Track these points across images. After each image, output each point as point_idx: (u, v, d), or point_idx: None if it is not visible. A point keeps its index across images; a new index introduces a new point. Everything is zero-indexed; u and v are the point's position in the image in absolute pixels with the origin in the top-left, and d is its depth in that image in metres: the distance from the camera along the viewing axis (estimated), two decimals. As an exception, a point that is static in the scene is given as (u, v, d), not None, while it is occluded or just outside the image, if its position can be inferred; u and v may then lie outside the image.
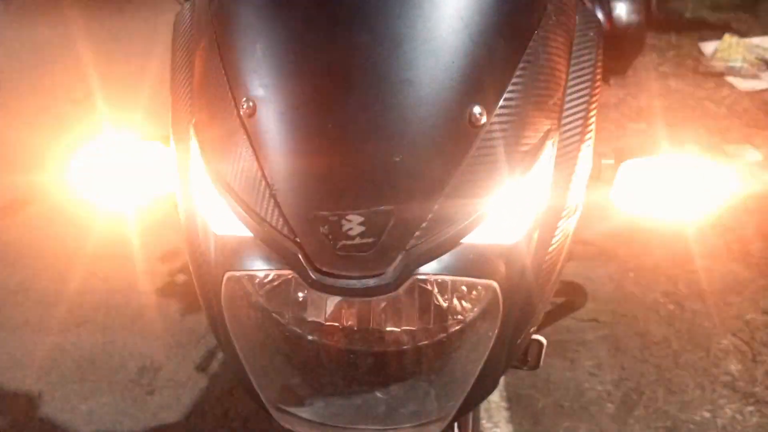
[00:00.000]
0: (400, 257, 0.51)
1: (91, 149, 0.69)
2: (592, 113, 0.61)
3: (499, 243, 0.54)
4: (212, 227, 0.56)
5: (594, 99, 0.62)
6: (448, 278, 0.53)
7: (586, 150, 0.61)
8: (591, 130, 0.62)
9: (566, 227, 0.59)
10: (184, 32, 0.65)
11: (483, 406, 1.57)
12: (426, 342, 0.56)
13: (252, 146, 0.53)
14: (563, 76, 0.60)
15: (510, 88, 0.55)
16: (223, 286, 0.55)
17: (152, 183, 0.69)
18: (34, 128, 3.21)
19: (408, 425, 0.58)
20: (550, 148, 0.57)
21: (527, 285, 0.57)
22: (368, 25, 0.52)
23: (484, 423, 1.51)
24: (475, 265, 0.54)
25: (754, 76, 3.21)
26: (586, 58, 0.63)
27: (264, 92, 0.53)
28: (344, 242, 0.51)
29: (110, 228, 2.37)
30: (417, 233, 0.51)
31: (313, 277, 0.51)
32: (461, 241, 0.53)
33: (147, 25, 4.56)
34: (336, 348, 0.55)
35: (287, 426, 0.59)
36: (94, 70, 3.92)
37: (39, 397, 1.68)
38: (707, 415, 1.50)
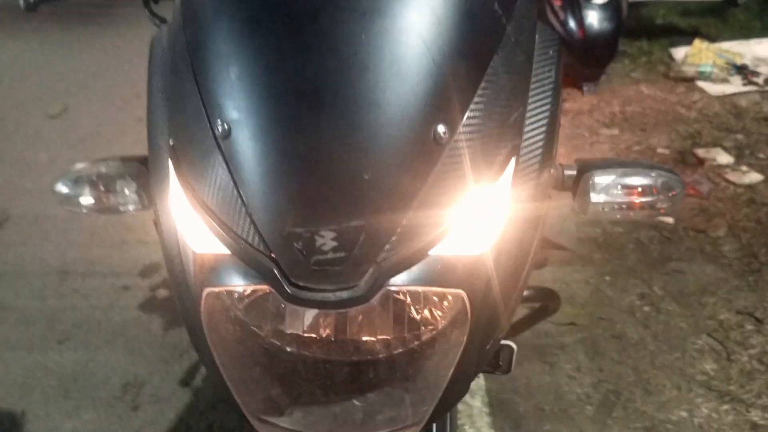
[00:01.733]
0: (371, 270, 0.53)
1: (75, 170, 0.71)
2: (553, 127, 0.64)
3: (466, 254, 0.57)
4: (190, 245, 0.58)
5: (555, 114, 0.65)
6: (418, 289, 0.56)
7: (548, 162, 0.64)
8: (553, 144, 0.65)
9: (530, 237, 0.62)
10: (160, 55, 0.67)
11: (465, 412, 1.59)
12: (400, 350, 0.58)
13: (227, 167, 0.55)
14: (524, 93, 0.63)
15: (472, 107, 0.57)
16: (202, 302, 0.57)
17: (132, 202, 0.71)
18: (8, 145, 3.19)
19: (385, 431, 0.61)
20: (512, 163, 0.59)
21: (494, 293, 0.59)
22: (336, 51, 0.55)
23: (467, 428, 1.54)
24: (443, 276, 0.56)
25: (724, 81, 3.28)
26: (546, 75, 0.65)
27: (238, 115, 0.55)
28: (318, 257, 0.53)
29: (89, 245, 2.37)
30: (387, 246, 0.54)
31: (288, 291, 0.53)
32: (429, 252, 0.55)
33: (122, 40, 4.55)
34: (314, 358, 0.57)
35: None
36: (70, 84, 3.90)
37: (22, 416, 1.68)
38: (684, 414, 1.54)
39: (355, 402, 0.60)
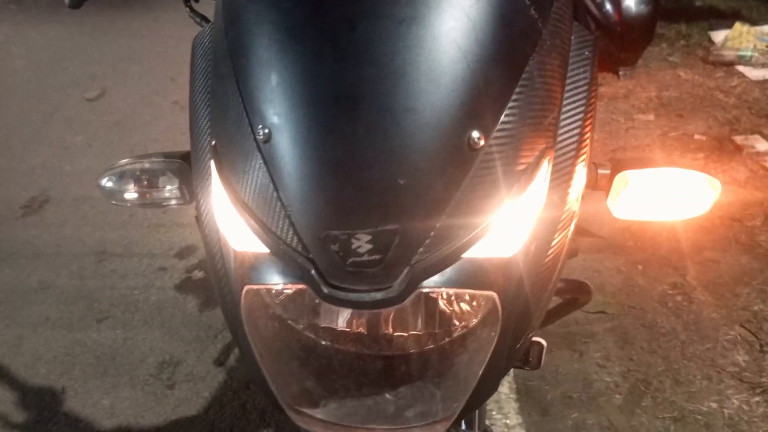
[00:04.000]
0: (405, 272, 0.55)
1: (119, 165, 0.73)
2: (587, 129, 0.65)
3: (498, 256, 0.58)
4: (231, 244, 0.60)
5: (589, 115, 0.65)
6: (450, 290, 0.57)
7: (581, 164, 0.64)
8: (586, 145, 0.65)
9: (561, 238, 0.63)
10: (203, 56, 0.69)
11: (493, 398, 1.60)
12: (431, 346, 0.59)
13: (268, 169, 0.57)
14: (558, 96, 0.63)
15: (507, 112, 0.58)
16: (242, 299, 0.59)
17: (174, 197, 0.73)
18: (47, 127, 3.27)
19: (416, 425, 0.62)
20: (545, 166, 0.60)
21: (525, 294, 0.61)
22: (373, 58, 0.56)
23: (494, 414, 1.55)
24: (475, 278, 0.57)
25: (765, 65, 3.20)
26: (581, 77, 0.66)
27: (278, 120, 0.57)
28: (353, 259, 0.55)
29: (126, 226, 2.43)
30: (421, 249, 0.55)
31: (325, 291, 0.55)
32: (462, 255, 0.57)
33: (157, 24, 4.60)
34: (348, 352, 0.59)
35: (302, 426, 0.63)
36: (107, 68, 3.97)
37: (62, 393, 1.74)
38: (714, 405, 1.53)
39: (388, 396, 0.62)
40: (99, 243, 2.34)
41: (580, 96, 0.65)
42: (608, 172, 0.70)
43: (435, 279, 0.56)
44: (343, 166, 0.55)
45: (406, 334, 0.59)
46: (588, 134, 0.65)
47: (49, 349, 1.89)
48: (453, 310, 0.59)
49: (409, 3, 0.57)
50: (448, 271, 0.57)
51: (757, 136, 2.62)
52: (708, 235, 2.11)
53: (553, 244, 0.62)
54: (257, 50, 0.60)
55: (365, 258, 0.55)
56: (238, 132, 0.60)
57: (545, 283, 0.63)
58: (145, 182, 0.74)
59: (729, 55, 3.27)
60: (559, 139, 0.62)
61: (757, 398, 1.54)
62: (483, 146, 0.56)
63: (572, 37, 0.67)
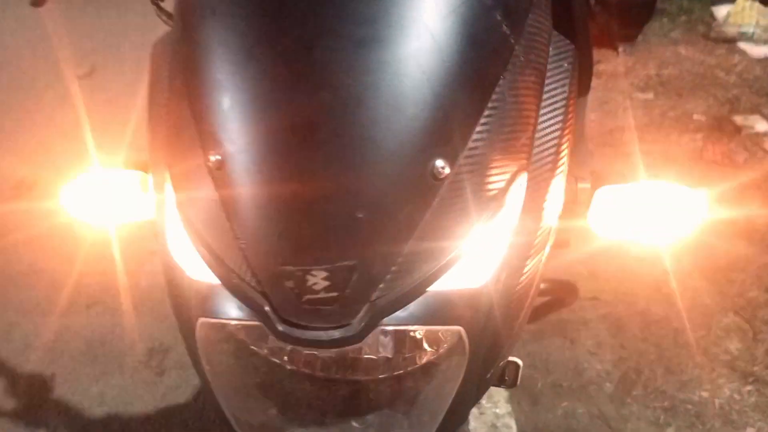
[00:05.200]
0: (364, 309, 0.52)
1: (80, 180, 0.71)
2: (564, 144, 0.62)
3: (465, 288, 0.56)
4: (186, 271, 0.58)
5: (567, 130, 0.62)
6: (413, 328, 0.55)
7: (558, 182, 0.62)
8: (563, 162, 0.62)
9: (536, 261, 0.60)
10: (161, 66, 0.65)
11: (483, 386, 1.60)
12: (400, 371, 0.57)
13: (220, 199, 0.55)
14: (533, 114, 0.60)
15: (475, 136, 0.55)
16: (197, 330, 0.57)
17: (137, 212, 0.71)
18: (39, 105, 3.23)
19: None
20: (517, 190, 0.57)
21: (495, 325, 0.58)
22: (330, 83, 0.53)
23: (484, 403, 1.54)
24: (440, 313, 0.55)
25: (767, 42, 3.14)
26: (558, 91, 0.63)
27: (230, 147, 0.54)
28: (309, 296, 0.52)
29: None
30: (381, 285, 0.52)
31: (279, 328, 0.53)
32: (427, 289, 0.54)
33: (150, -4, 4.51)
34: (313, 376, 0.57)
35: None
36: (97, 44, 3.91)
37: (52, 379, 1.73)
38: (705, 394, 1.52)
39: (354, 424, 0.60)
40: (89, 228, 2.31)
41: (558, 111, 0.62)
42: (588, 186, 0.68)
43: (397, 315, 0.54)
44: (297, 198, 0.52)
45: (375, 357, 0.56)
46: (565, 149, 0.62)
47: (38, 335, 1.88)
48: (418, 344, 0.57)
49: (369, 22, 0.53)
50: (412, 307, 0.54)
51: (757, 116, 2.58)
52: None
53: (526, 269, 0.59)
54: (209, 69, 0.57)
55: (321, 295, 0.52)
56: (191, 156, 0.57)
57: (518, 309, 0.61)
58: (108, 197, 0.71)
59: (731, 31, 3.21)
60: (535, 159, 0.59)
61: (749, 387, 1.53)
62: (448, 175, 0.53)
63: (550, 48, 0.64)
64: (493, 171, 0.56)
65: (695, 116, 2.62)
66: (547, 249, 0.62)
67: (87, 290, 2.02)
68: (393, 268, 0.52)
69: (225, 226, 0.54)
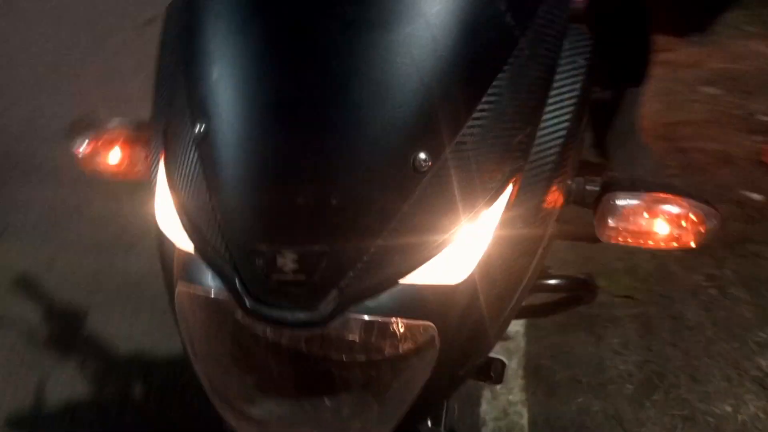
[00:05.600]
0: (331, 295, 0.52)
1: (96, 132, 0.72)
2: (570, 145, 0.60)
3: (440, 283, 0.54)
4: (170, 236, 0.58)
5: (576, 130, 0.59)
6: (380, 319, 0.54)
7: (560, 184, 0.60)
8: (567, 163, 0.60)
9: (523, 262, 0.59)
10: (171, 27, 0.65)
11: (498, 371, 1.58)
12: (367, 359, 0.57)
13: (203, 169, 0.55)
14: (536, 111, 0.58)
15: (465, 131, 0.53)
16: (175, 295, 0.58)
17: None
18: (98, 52, 3.29)
19: None
20: (508, 190, 0.56)
21: (470, 323, 0.57)
22: (319, 63, 0.52)
23: (498, 388, 1.54)
24: (411, 306, 0.54)
25: None
26: (568, 88, 0.60)
27: (215, 118, 0.54)
28: (278, 276, 0.52)
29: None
30: (351, 273, 0.52)
31: (247, 304, 0.53)
32: (400, 281, 0.53)
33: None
34: (283, 352, 0.57)
35: (235, 425, 0.62)
36: (163, -10, 3.94)
37: (85, 315, 1.80)
38: (728, 408, 1.47)
39: (326, 401, 0.60)
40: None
41: (566, 110, 0.59)
42: (597, 189, 0.65)
43: (367, 305, 0.53)
44: (274, 178, 0.52)
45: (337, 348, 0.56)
46: (571, 151, 0.60)
47: (76, 271, 1.95)
48: (387, 335, 0.56)
49: (363, 3, 0.52)
50: (383, 298, 0.54)
51: (829, 125, 2.43)
52: (757, 226, 2.00)
53: (511, 269, 0.58)
54: (203, 39, 0.57)
55: (290, 277, 0.52)
56: (181, 124, 0.57)
57: (500, 308, 0.60)
58: (120, 152, 0.72)
59: (814, 29, 3.02)
60: (534, 157, 0.57)
61: (776, 407, 1.48)
62: (431, 168, 0.52)
63: (565, 42, 0.61)
64: (484, 168, 0.54)
65: (758, 116, 2.50)
66: (540, 251, 0.61)
67: (127, 234, 2.08)
68: (364, 257, 0.52)
69: (205, 197, 0.54)
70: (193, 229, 0.55)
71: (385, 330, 0.54)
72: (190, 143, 0.56)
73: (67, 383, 1.64)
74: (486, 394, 1.53)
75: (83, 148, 0.72)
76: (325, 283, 0.52)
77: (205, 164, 0.54)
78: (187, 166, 0.56)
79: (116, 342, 1.73)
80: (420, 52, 0.52)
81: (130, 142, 0.71)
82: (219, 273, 0.55)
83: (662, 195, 0.63)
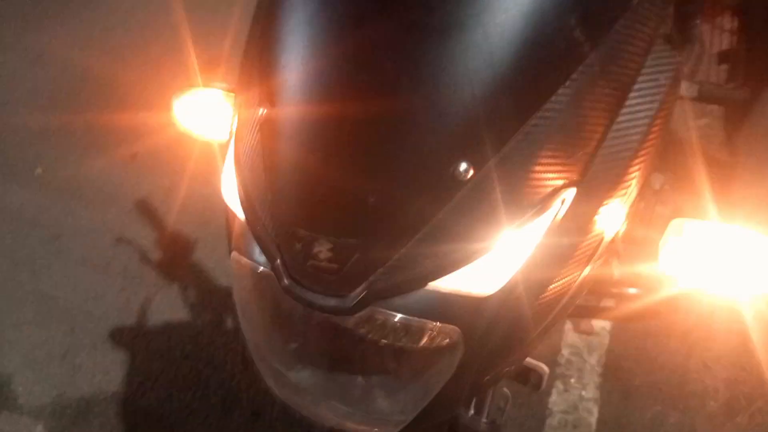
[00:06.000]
0: (361, 287, 0.55)
1: (190, 96, 0.77)
2: (637, 163, 0.58)
3: (470, 292, 0.55)
4: (231, 206, 0.63)
5: (645, 150, 0.57)
6: (406, 316, 0.56)
7: (619, 203, 0.58)
8: (630, 185, 0.59)
9: (569, 278, 0.59)
10: (263, 7, 0.68)
11: (577, 364, 1.56)
12: (397, 350, 0.59)
13: (262, 149, 0.59)
14: (599, 128, 0.56)
15: (513, 143, 0.53)
16: (231, 261, 0.63)
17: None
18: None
19: (374, 417, 0.64)
20: (557, 203, 0.55)
21: (499, 333, 0.58)
22: (375, 64, 0.53)
23: (573, 382, 1.52)
24: (436, 310, 0.56)
25: None
26: (644, 107, 0.58)
27: (276, 105, 0.58)
28: (313, 261, 0.55)
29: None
30: (381, 270, 0.54)
31: (285, 282, 0.57)
32: (429, 284, 0.55)
33: None
34: (318, 329, 0.61)
35: (272, 386, 0.67)
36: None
37: (194, 244, 1.94)
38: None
39: (352, 379, 0.63)
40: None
41: (636, 130, 0.58)
42: (666, 211, 0.63)
43: (393, 302, 0.56)
44: (321, 171, 0.55)
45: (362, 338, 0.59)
46: (638, 170, 0.59)
47: (189, 202, 2.09)
48: (412, 333, 0.58)
49: (424, 7, 0.53)
50: (410, 298, 0.56)
51: None
52: None
53: (553, 285, 0.58)
54: (279, 25, 0.60)
55: (323, 264, 0.55)
56: (251, 102, 0.61)
57: (537, 321, 0.60)
58: (209, 113, 0.77)
59: None
60: (594, 175, 0.57)
61: None
62: (471, 178, 0.53)
63: (647, 59, 0.57)
64: (531, 181, 0.54)
65: None
66: (589, 268, 0.60)
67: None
68: (395, 257, 0.54)
69: (261, 176, 0.58)
70: (248, 204, 0.59)
71: (408, 328, 0.57)
72: (255, 123, 0.59)
73: (167, 306, 1.79)
74: (558, 384, 1.52)
75: (178, 106, 0.78)
76: (356, 275, 0.55)
77: (264, 145, 0.58)
78: (249, 144, 0.60)
79: (216, 274, 1.86)
80: (475, 61, 0.52)
81: (218, 107, 0.76)
82: (264, 249, 0.59)
83: (739, 229, 0.59)
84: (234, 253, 0.63)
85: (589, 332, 1.64)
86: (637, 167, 0.59)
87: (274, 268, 0.58)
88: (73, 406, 1.63)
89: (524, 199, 0.54)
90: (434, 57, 0.52)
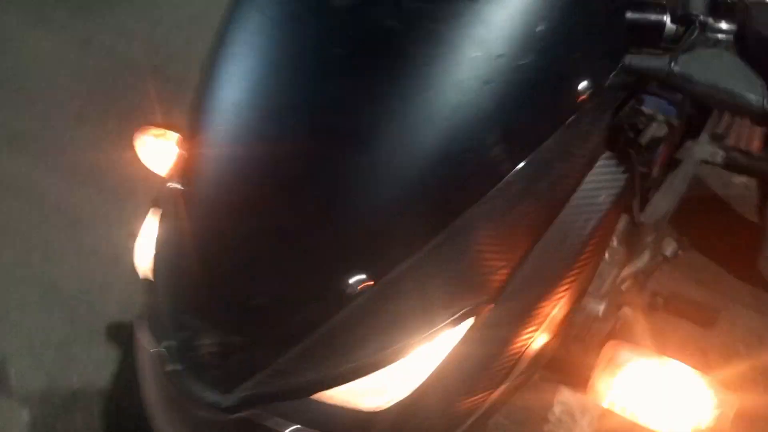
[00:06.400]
0: (241, 387, 0.54)
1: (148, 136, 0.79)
2: (564, 285, 0.57)
3: (357, 406, 0.54)
4: (141, 268, 0.64)
5: (575, 269, 0.54)
6: (288, 425, 0.55)
7: (541, 327, 0.57)
8: (554, 305, 0.57)
9: (477, 400, 0.57)
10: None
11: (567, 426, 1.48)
12: None
13: (173, 224, 0.60)
14: (522, 245, 0.54)
15: (419, 258, 0.51)
16: (134, 326, 0.62)
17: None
18: None
19: None
20: (466, 323, 0.53)
21: None
22: (281, 170, 0.54)
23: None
24: (324, 421, 0.55)
25: None
26: (578, 225, 0.56)
27: (191, 183, 0.59)
28: (199, 350, 0.55)
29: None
30: (265, 373, 0.53)
31: (170, 367, 0.56)
32: (316, 395, 0.53)
33: None
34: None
35: None
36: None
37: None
38: None
39: None
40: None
41: (567, 247, 0.56)
42: (603, 330, 0.60)
43: (278, 408, 0.55)
44: (217, 261, 0.56)
45: None
46: (566, 290, 0.57)
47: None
48: None
49: (342, 114, 0.53)
50: (297, 406, 0.55)
51: None
52: None
53: (458, 403, 0.57)
54: (200, 111, 0.61)
55: (206, 358, 0.55)
56: (175, 172, 0.63)
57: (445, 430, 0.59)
58: (164, 155, 0.78)
59: None
60: (511, 294, 0.55)
61: None
62: (365, 290, 0.52)
63: (588, 175, 0.54)
64: (436, 299, 0.53)
65: None
66: (504, 386, 0.59)
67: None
68: (279, 362, 0.53)
69: (169, 250, 0.60)
70: (154, 275, 0.59)
71: None
72: (173, 197, 0.61)
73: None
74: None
75: (140, 144, 0.79)
76: (238, 374, 0.54)
77: (175, 222, 0.60)
78: (166, 215, 0.62)
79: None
80: (380, 174, 0.52)
81: (174, 148, 0.76)
82: (159, 327, 0.59)
83: (676, 366, 0.56)
84: (135, 321, 0.63)
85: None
86: (566, 285, 0.57)
87: (164, 348, 0.58)
88: (61, 396, 1.66)
89: (428, 316, 0.52)
90: (340, 167, 0.53)
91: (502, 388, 0.58)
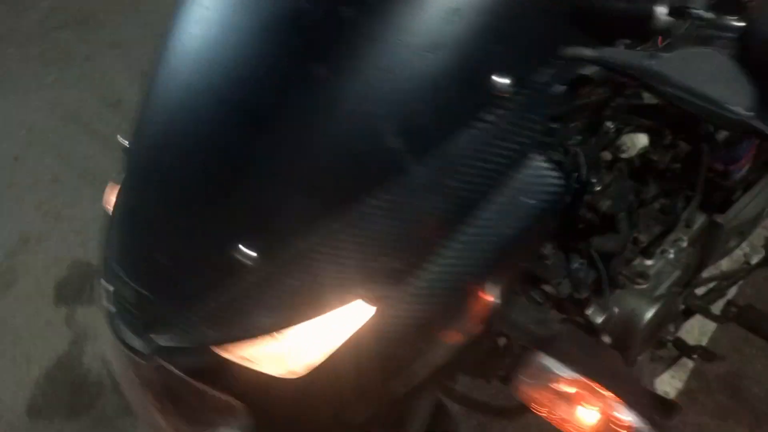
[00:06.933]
0: (148, 336, 0.60)
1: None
2: (473, 292, 0.58)
3: (260, 369, 0.57)
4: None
5: (493, 275, 0.58)
6: (184, 376, 0.60)
7: (445, 332, 0.59)
8: (462, 308, 0.59)
9: (380, 379, 0.61)
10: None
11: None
12: (182, 406, 0.66)
13: (122, 199, 0.69)
14: (429, 241, 0.56)
15: (313, 243, 0.54)
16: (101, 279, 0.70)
17: None
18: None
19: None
20: (365, 312, 0.55)
21: (304, 417, 0.61)
22: (197, 149, 0.61)
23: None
24: (221, 379, 0.58)
25: None
26: (496, 231, 0.57)
27: (131, 140, 0.68)
28: (124, 299, 0.62)
29: None
30: (167, 326, 0.59)
31: (109, 308, 0.64)
32: (214, 350, 0.57)
33: None
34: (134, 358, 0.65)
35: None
36: None
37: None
38: None
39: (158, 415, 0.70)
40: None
41: (482, 251, 0.57)
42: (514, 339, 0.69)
43: (180, 359, 0.59)
44: (143, 225, 0.64)
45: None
46: (473, 290, 0.58)
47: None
48: (192, 393, 0.62)
49: (246, 93, 0.58)
50: (195, 359, 0.59)
51: None
52: None
53: (361, 377, 0.58)
54: (160, 58, 0.67)
55: (128, 302, 0.62)
56: (125, 160, 0.72)
57: (355, 410, 0.62)
58: None
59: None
60: (413, 290, 0.57)
61: None
62: (254, 261, 0.55)
63: (509, 178, 0.59)
64: (327, 285, 0.55)
65: None
66: (413, 378, 0.61)
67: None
68: (182, 316, 0.58)
69: (117, 218, 0.67)
70: (107, 239, 0.69)
71: (188, 387, 0.61)
72: (124, 179, 0.70)
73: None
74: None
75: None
76: (148, 325, 0.61)
77: (123, 197, 0.69)
78: (119, 191, 0.70)
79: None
80: (275, 151, 0.56)
81: None
82: (107, 270, 0.67)
83: (594, 384, 0.63)
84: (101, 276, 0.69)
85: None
86: (482, 285, 0.58)
87: (104, 291, 0.65)
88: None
89: (319, 300, 0.55)
90: (244, 144, 0.57)
91: (414, 376, 0.61)
